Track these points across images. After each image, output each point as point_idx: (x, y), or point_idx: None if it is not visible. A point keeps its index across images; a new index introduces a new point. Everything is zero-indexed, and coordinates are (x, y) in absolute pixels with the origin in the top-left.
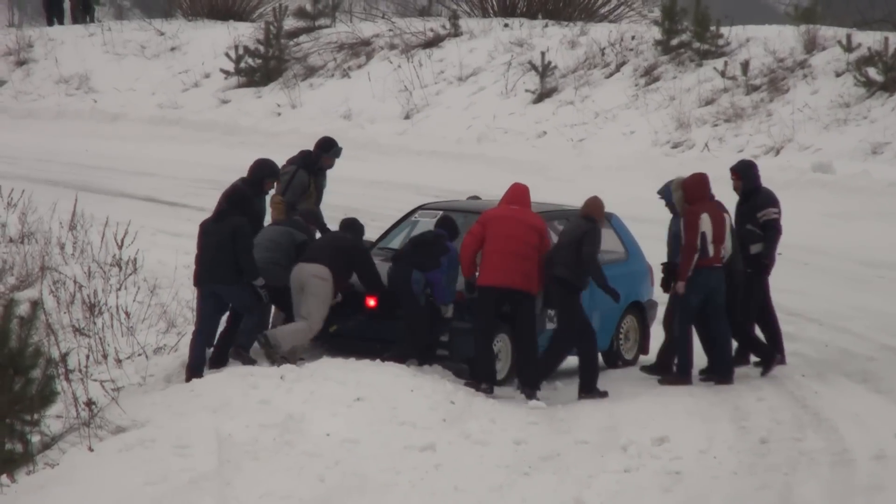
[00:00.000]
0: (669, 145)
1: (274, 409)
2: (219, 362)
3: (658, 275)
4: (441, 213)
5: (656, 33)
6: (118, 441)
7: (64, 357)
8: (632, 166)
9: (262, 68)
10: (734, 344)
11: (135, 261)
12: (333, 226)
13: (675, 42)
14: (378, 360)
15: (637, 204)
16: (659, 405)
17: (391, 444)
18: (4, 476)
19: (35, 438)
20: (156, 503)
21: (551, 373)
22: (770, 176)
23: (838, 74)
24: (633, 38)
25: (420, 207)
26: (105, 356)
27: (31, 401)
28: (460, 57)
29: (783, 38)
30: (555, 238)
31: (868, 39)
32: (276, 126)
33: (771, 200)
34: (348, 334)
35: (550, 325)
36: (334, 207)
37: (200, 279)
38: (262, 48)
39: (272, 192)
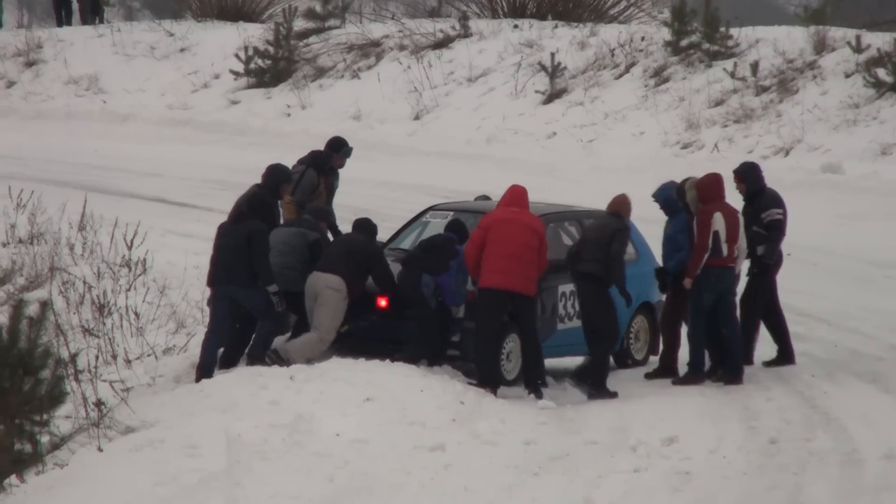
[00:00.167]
0: (679, 146)
1: (283, 409)
2: (229, 363)
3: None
4: (452, 214)
5: (666, 34)
6: (127, 441)
7: (73, 357)
8: (641, 167)
9: (271, 69)
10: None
11: (144, 261)
12: (346, 226)
13: (684, 43)
14: (388, 361)
15: (647, 205)
16: (668, 405)
17: (401, 445)
18: (14, 476)
19: (44, 439)
20: (165, 503)
21: (607, 372)
22: (779, 177)
23: (848, 75)
24: (642, 39)
25: (430, 208)
26: (114, 357)
27: (40, 401)
28: (470, 58)
29: (793, 39)
30: (564, 237)
31: (877, 40)
32: (286, 127)
33: (775, 201)
34: (360, 335)
35: (561, 326)
36: (345, 208)
37: (215, 280)
38: (271, 49)
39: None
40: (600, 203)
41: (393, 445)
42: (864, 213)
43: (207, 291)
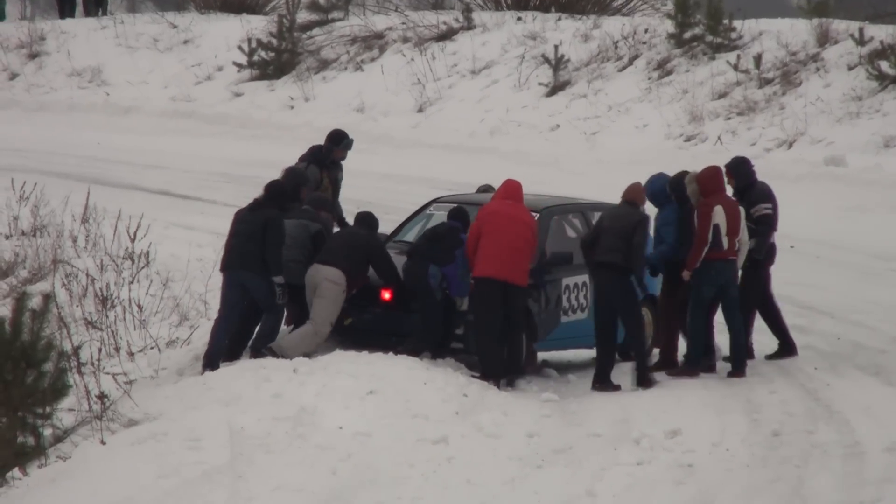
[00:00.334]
0: (682, 138)
1: (286, 402)
2: (232, 357)
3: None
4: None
5: (669, 27)
6: (130, 434)
7: (76, 350)
8: (645, 160)
9: (275, 61)
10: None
11: (147, 254)
12: (350, 220)
13: (687, 35)
14: (391, 354)
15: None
16: (671, 398)
17: (404, 438)
18: (16, 469)
19: (47, 432)
20: (168, 496)
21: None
22: (782, 169)
23: (851, 68)
24: (646, 31)
25: (434, 201)
26: (117, 349)
27: (43, 394)
28: (473, 50)
29: (796, 31)
30: (569, 229)
31: (880, 33)
32: (290, 119)
33: (764, 195)
34: (363, 327)
35: (565, 319)
36: (348, 201)
37: (228, 265)
38: (274, 41)
39: None
40: (603, 195)
41: (396, 438)
42: (867, 205)
43: (210, 284)
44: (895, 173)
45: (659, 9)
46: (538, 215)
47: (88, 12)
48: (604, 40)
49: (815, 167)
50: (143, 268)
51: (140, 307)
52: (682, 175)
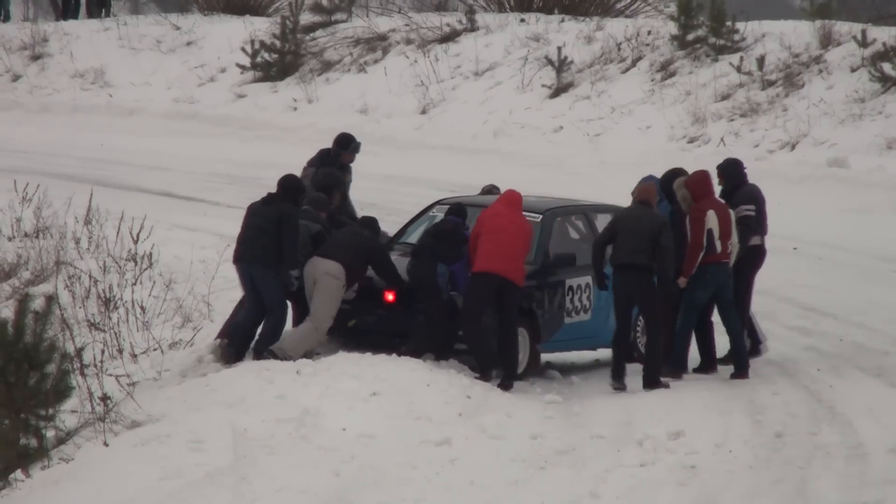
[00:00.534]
0: (685, 140)
1: (290, 403)
2: (235, 358)
3: None
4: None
5: (672, 28)
6: (133, 436)
7: (79, 352)
8: (648, 161)
9: (278, 63)
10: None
11: (150, 255)
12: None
13: (690, 37)
14: (394, 355)
15: None
16: (674, 399)
17: (407, 439)
18: (19, 471)
19: (50, 433)
20: (171, 498)
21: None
22: (785, 171)
23: (853, 70)
24: (648, 33)
25: (437, 202)
26: (120, 351)
27: (45, 396)
28: (476, 52)
29: (798, 33)
30: (571, 231)
31: (883, 35)
32: (293, 121)
33: (747, 197)
34: (367, 329)
35: (568, 320)
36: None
37: (240, 258)
38: (278, 43)
39: None
40: (606, 197)
41: (399, 440)
42: (869, 207)
43: (213, 286)
44: None
45: (662, 11)
46: (541, 217)
47: (91, 13)
48: (607, 42)
49: (818, 169)
50: (145, 269)
51: (143, 309)
52: (672, 173)
